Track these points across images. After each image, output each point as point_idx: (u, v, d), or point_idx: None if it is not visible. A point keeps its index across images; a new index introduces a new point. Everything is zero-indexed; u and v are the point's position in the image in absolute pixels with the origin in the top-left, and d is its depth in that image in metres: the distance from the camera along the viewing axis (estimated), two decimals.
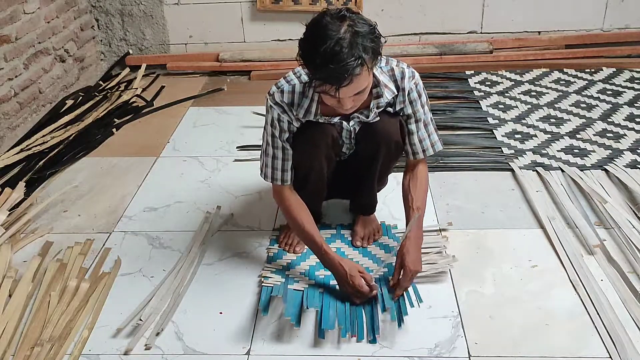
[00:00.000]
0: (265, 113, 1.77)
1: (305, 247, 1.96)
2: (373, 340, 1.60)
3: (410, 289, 1.70)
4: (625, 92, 3.07)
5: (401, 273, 1.69)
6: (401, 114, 1.77)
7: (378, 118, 1.73)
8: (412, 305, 1.65)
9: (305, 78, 1.68)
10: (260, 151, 1.85)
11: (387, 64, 1.71)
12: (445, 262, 1.85)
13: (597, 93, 3.08)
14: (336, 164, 1.88)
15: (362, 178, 1.92)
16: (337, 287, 1.77)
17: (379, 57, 1.53)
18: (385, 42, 1.55)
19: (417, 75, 1.74)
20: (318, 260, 1.88)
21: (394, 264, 1.77)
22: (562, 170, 2.38)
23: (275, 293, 1.72)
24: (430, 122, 1.81)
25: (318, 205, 2.02)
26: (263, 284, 1.81)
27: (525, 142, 2.62)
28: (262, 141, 1.81)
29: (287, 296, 1.72)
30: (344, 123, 1.74)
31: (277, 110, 1.71)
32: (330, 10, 1.49)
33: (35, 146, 2.69)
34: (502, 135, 2.68)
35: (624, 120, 2.79)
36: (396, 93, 1.71)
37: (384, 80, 1.68)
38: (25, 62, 2.88)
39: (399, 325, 1.62)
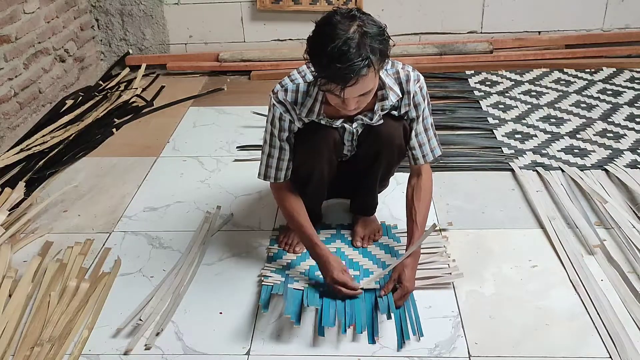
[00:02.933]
0: (267, 111, 1.77)
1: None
2: (371, 341, 1.61)
3: (414, 321, 1.67)
4: (625, 92, 3.07)
5: (395, 288, 1.71)
6: (405, 117, 1.77)
7: (382, 121, 1.73)
8: (413, 333, 1.63)
9: (309, 77, 1.68)
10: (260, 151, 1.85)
11: (393, 66, 1.70)
12: (450, 274, 1.83)
13: (597, 93, 3.08)
14: (337, 164, 1.88)
15: (363, 179, 1.92)
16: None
17: (386, 60, 1.52)
18: (394, 45, 1.54)
19: (422, 78, 1.73)
20: None
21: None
22: (562, 170, 2.38)
23: (276, 291, 1.73)
24: (431, 128, 1.81)
25: (318, 206, 2.02)
26: (263, 283, 1.81)
27: (525, 142, 2.62)
28: (262, 139, 1.82)
29: (287, 294, 1.72)
30: (347, 125, 1.74)
31: (279, 109, 1.71)
32: (341, 9, 1.49)
33: (35, 146, 2.69)
34: (502, 135, 2.68)
35: (624, 120, 2.79)
36: (401, 96, 1.71)
37: (389, 83, 1.67)
38: (25, 62, 2.88)
39: (401, 341, 1.61)
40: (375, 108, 1.69)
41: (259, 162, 1.83)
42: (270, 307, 1.72)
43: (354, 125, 1.74)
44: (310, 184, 1.85)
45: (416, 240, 1.74)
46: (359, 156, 1.85)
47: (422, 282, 1.79)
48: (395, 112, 1.74)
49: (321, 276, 1.82)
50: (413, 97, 1.72)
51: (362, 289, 1.73)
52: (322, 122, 1.71)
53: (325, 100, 1.65)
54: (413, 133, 1.78)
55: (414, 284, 1.72)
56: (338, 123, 1.72)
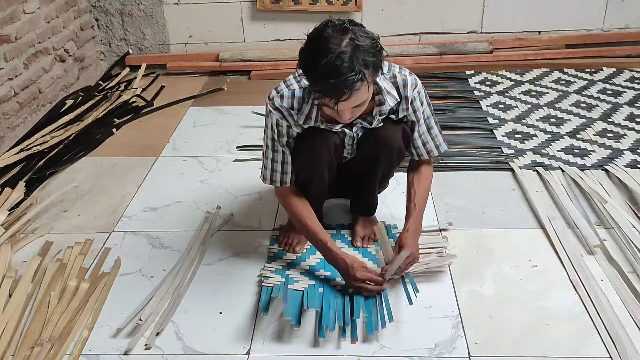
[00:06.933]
0: (265, 116, 1.77)
1: (305, 247, 1.96)
2: (370, 331, 1.61)
3: (408, 283, 1.70)
4: (625, 92, 3.07)
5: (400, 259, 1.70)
6: (405, 120, 1.77)
7: (381, 124, 1.73)
8: (412, 300, 1.65)
9: (305, 83, 1.67)
10: (261, 153, 1.85)
11: (389, 70, 1.70)
12: (446, 259, 1.84)
13: (597, 93, 3.08)
14: (338, 165, 1.88)
15: (363, 180, 1.92)
16: (337, 287, 1.78)
17: (379, 71, 1.52)
18: (387, 55, 1.54)
19: (419, 82, 1.73)
20: (318, 260, 1.89)
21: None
22: (562, 170, 2.38)
23: (275, 294, 1.72)
24: (435, 126, 1.81)
25: (319, 207, 2.01)
26: (263, 284, 1.81)
27: (525, 142, 2.62)
28: (263, 144, 1.81)
29: (287, 296, 1.72)
30: (347, 130, 1.74)
31: (276, 116, 1.71)
32: (333, 21, 1.48)
33: (35, 146, 2.69)
34: (502, 135, 2.68)
35: (624, 120, 2.79)
36: (398, 100, 1.71)
37: (386, 87, 1.67)
38: (25, 62, 2.88)
39: (410, 302, 1.65)
40: (374, 112, 1.69)
41: (263, 167, 1.82)
42: (271, 308, 1.71)
43: (354, 129, 1.74)
44: (311, 188, 1.85)
45: (414, 219, 1.76)
46: (359, 158, 1.85)
47: (418, 270, 1.80)
48: (393, 116, 1.75)
49: (321, 276, 1.83)
50: (411, 102, 1.72)
51: (386, 280, 1.72)
52: (322, 126, 1.71)
53: (322, 107, 1.65)
54: (416, 134, 1.79)
55: (417, 252, 1.73)
56: (338, 127, 1.72)
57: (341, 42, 1.43)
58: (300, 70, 1.61)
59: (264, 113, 1.77)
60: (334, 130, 1.73)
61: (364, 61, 1.44)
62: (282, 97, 1.69)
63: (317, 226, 1.78)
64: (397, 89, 1.70)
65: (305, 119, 1.69)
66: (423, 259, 1.84)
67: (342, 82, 1.42)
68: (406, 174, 1.90)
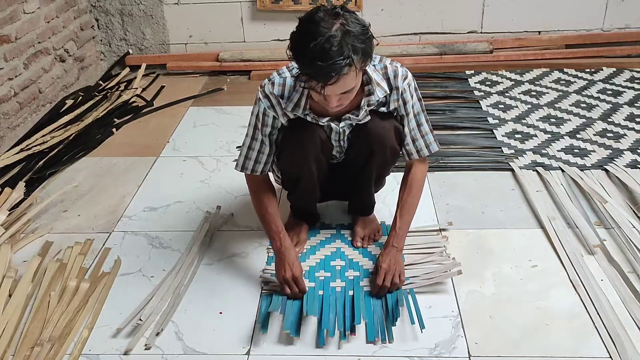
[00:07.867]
0: (253, 104, 1.77)
1: (305, 247, 1.97)
2: (371, 339, 1.61)
3: (414, 311, 1.68)
4: (625, 92, 3.07)
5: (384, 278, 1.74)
6: (395, 114, 1.76)
7: (369, 117, 1.72)
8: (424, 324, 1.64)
9: (297, 72, 1.68)
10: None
11: (381, 61, 1.70)
12: (449, 268, 1.83)
13: (597, 93, 3.08)
14: (331, 166, 1.88)
15: (359, 180, 1.91)
16: (337, 289, 1.78)
17: (368, 59, 1.53)
18: (378, 44, 1.55)
19: (410, 75, 1.73)
20: (318, 261, 1.90)
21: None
22: (562, 170, 2.38)
23: (274, 308, 1.69)
24: (425, 123, 1.80)
25: (312, 206, 2.01)
26: (263, 291, 1.80)
27: (525, 142, 2.62)
28: (246, 130, 1.82)
29: (285, 308, 1.69)
30: (333, 125, 1.73)
31: (263, 105, 1.72)
32: (326, 6, 1.49)
33: (35, 146, 2.69)
34: (502, 135, 2.68)
35: (624, 120, 2.79)
36: (388, 92, 1.70)
37: (376, 79, 1.67)
38: (25, 62, 2.88)
39: (412, 322, 1.64)
40: (362, 103, 1.69)
41: (239, 153, 1.84)
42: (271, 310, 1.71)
43: (341, 124, 1.73)
44: (301, 183, 1.85)
45: (395, 239, 1.78)
46: (352, 157, 1.84)
47: (422, 280, 1.79)
48: (384, 109, 1.74)
49: (321, 278, 1.83)
50: (402, 93, 1.71)
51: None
52: (308, 118, 1.71)
53: (311, 96, 1.65)
54: (406, 129, 1.78)
55: (397, 266, 1.74)
56: (324, 121, 1.72)
57: (332, 26, 1.43)
58: (294, 62, 1.61)
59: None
60: (320, 123, 1.72)
61: (353, 47, 1.44)
62: (273, 84, 1.70)
63: (274, 213, 1.81)
64: (388, 80, 1.69)
65: (293, 107, 1.69)
66: (424, 265, 1.85)
67: (330, 66, 1.42)
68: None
